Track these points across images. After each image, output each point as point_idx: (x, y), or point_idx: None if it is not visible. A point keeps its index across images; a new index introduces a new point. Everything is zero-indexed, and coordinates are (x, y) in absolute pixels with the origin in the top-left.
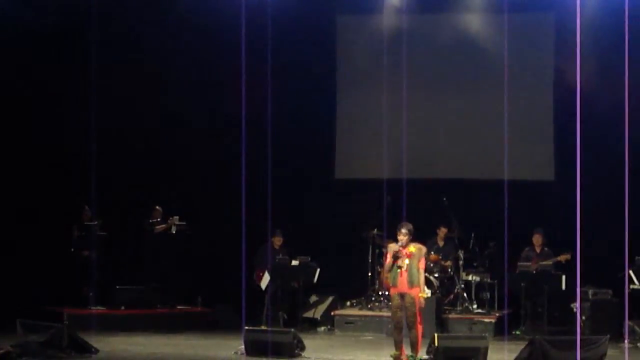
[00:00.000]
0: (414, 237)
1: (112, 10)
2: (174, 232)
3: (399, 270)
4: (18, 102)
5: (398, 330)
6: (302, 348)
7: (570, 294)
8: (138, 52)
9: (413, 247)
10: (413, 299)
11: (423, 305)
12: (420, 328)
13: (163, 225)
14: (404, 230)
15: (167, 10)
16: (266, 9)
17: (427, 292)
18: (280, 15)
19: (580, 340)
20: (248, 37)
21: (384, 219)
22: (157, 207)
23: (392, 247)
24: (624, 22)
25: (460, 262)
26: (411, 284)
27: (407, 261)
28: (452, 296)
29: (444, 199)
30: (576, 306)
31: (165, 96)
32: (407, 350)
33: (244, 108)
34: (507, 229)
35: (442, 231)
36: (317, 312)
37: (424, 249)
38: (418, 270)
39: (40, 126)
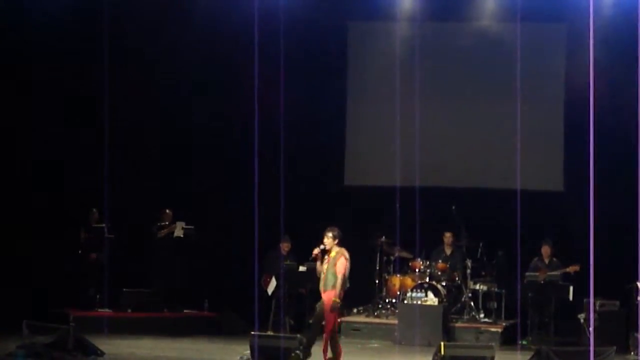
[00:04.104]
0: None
1: (126, 13)
2: (181, 235)
3: (322, 274)
4: (29, 104)
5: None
6: (308, 354)
7: (577, 305)
8: (151, 57)
9: (334, 252)
10: (323, 303)
11: (329, 309)
12: (327, 332)
13: (165, 230)
14: (329, 234)
15: (181, 17)
16: (278, 16)
17: (337, 300)
18: (292, 22)
19: (587, 351)
20: (260, 44)
21: (397, 226)
22: (167, 211)
23: (314, 252)
24: (637, 32)
25: (468, 271)
26: (325, 287)
27: (326, 266)
28: (459, 305)
29: (453, 207)
30: (584, 317)
31: (177, 101)
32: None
33: (257, 115)
34: (516, 239)
35: (447, 237)
36: None
37: (341, 254)
38: (334, 274)
39: (50, 128)
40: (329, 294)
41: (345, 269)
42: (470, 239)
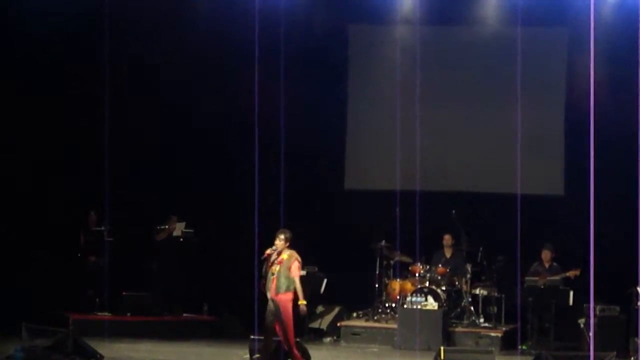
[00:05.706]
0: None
1: (127, 16)
2: (179, 234)
3: (272, 276)
4: (29, 105)
5: (266, 335)
6: (308, 358)
7: (577, 310)
8: (152, 59)
9: (285, 254)
10: (279, 306)
11: (304, 313)
12: (291, 336)
13: (162, 234)
14: (281, 236)
15: (181, 19)
16: (279, 18)
17: (304, 301)
18: (292, 25)
19: (587, 356)
20: (260, 46)
21: (397, 230)
22: (173, 217)
23: (267, 252)
24: (638, 37)
25: (468, 276)
26: (278, 290)
27: (277, 267)
28: (459, 309)
29: (453, 211)
30: (584, 322)
31: (178, 103)
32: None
33: (257, 118)
34: (516, 243)
35: (447, 239)
36: (324, 323)
37: (294, 256)
38: (287, 277)
39: (51, 128)
40: (283, 297)
41: (299, 272)
42: (470, 244)
